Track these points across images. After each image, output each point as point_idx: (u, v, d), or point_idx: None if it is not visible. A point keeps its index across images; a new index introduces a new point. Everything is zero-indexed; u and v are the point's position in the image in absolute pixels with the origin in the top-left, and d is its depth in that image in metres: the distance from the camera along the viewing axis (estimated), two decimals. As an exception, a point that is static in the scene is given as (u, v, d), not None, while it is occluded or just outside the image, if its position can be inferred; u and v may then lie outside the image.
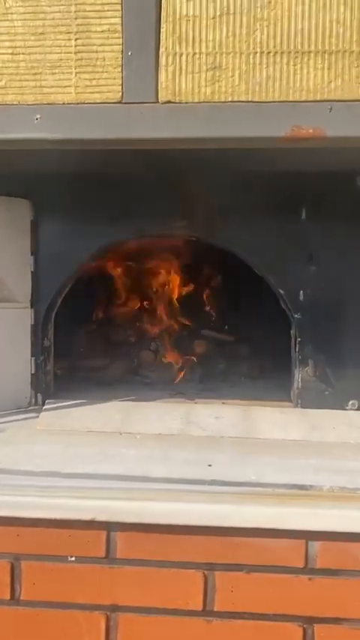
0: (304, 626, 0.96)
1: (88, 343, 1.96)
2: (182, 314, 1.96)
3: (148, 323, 1.97)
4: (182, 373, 1.84)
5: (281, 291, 1.50)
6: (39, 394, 1.55)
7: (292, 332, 1.54)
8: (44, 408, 1.48)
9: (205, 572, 0.97)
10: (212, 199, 1.47)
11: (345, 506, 0.93)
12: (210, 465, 1.06)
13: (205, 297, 1.99)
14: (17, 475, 1.03)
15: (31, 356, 1.52)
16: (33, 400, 1.53)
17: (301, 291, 1.49)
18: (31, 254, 1.51)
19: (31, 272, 1.51)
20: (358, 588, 0.95)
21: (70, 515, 0.95)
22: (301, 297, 1.50)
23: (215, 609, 0.97)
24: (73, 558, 0.98)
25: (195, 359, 1.90)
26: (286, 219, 1.48)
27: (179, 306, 1.96)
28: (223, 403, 1.58)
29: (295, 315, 1.51)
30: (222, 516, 0.93)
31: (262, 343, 1.94)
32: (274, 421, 1.38)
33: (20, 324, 1.50)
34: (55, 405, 1.50)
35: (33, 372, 1.53)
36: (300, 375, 1.51)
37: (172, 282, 1.93)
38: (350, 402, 1.50)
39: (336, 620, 0.96)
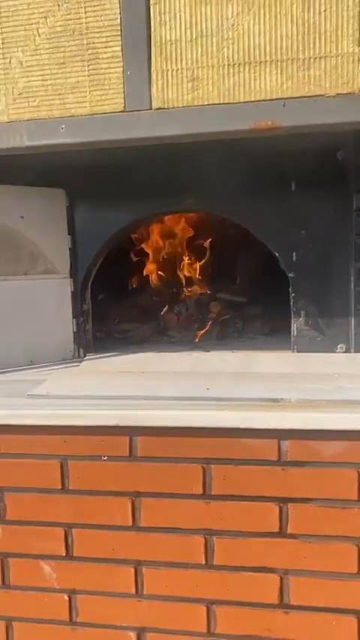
0: (280, 504, 1.26)
1: (121, 309, 2.29)
2: (202, 280, 2.26)
3: (172, 289, 2.28)
4: (202, 332, 2.14)
5: (277, 254, 1.77)
6: (81, 349, 1.89)
7: (289, 289, 1.81)
8: (85, 358, 1.83)
9: (204, 465, 1.28)
10: (217, 179, 1.74)
11: (306, 410, 1.22)
12: (208, 389, 1.37)
13: (221, 264, 2.27)
14: (61, 399, 1.38)
15: (73, 317, 1.86)
16: (76, 354, 1.88)
17: (294, 253, 1.76)
18: (68, 234, 1.84)
19: (69, 249, 1.84)
20: (319, 475, 1.24)
21: (101, 422, 1.28)
22: (294, 258, 1.76)
23: (212, 493, 1.28)
24: (106, 457, 1.32)
25: (213, 319, 2.20)
26: (278, 191, 1.74)
27: (199, 273, 2.26)
28: (232, 352, 1.88)
29: (290, 274, 1.77)
30: (214, 420, 1.23)
31: (272, 304, 2.21)
32: (269, 361, 1.67)
33: (62, 292, 1.84)
34: (94, 357, 1.84)
35: (75, 330, 1.87)
36: (295, 325, 1.79)
37: (191, 253, 2.22)
38: (339, 346, 1.76)
39: (304, 500, 1.25)
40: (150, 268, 2.31)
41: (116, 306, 2.29)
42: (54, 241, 1.81)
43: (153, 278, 2.30)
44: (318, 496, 1.25)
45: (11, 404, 1.36)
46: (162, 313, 2.23)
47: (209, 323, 2.18)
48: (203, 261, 2.24)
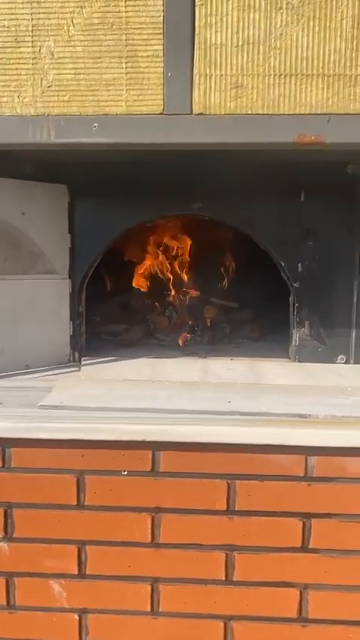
0: (304, 520, 1.26)
1: (107, 310, 2.22)
2: (193, 284, 2.23)
3: (163, 292, 2.23)
4: (192, 335, 2.11)
5: (282, 263, 1.77)
6: (76, 353, 1.82)
7: (291, 299, 1.81)
8: (83, 363, 1.75)
9: (229, 481, 1.26)
10: (224, 185, 1.71)
11: (335, 428, 1.22)
12: (229, 402, 1.35)
13: (213, 269, 2.25)
14: (77, 410, 1.31)
15: (70, 320, 1.78)
16: (71, 357, 1.80)
17: (300, 263, 1.76)
18: (69, 232, 1.75)
19: (69, 248, 1.76)
20: (345, 491, 1.25)
21: (125, 437, 1.23)
22: (300, 269, 1.76)
23: (236, 509, 1.27)
24: (126, 472, 1.27)
25: (204, 323, 2.17)
26: (287, 201, 1.74)
27: (190, 277, 2.23)
28: (232, 359, 1.86)
29: (294, 284, 1.78)
30: (242, 436, 1.21)
31: (261, 310, 2.22)
32: (277, 371, 1.67)
33: (61, 293, 1.75)
34: (90, 361, 1.77)
35: (71, 333, 1.79)
36: (297, 335, 1.80)
37: (184, 256, 2.18)
38: (339, 357, 1.79)
39: (328, 515, 1.26)
40: (138, 269, 2.26)
41: (101, 306, 2.22)
42: (54, 240, 1.72)
43: (141, 280, 2.24)
44: (342, 511, 1.26)
45: (24, 415, 1.28)
46: (153, 315, 2.19)
47: (200, 327, 2.16)
48: (195, 264, 2.21)
